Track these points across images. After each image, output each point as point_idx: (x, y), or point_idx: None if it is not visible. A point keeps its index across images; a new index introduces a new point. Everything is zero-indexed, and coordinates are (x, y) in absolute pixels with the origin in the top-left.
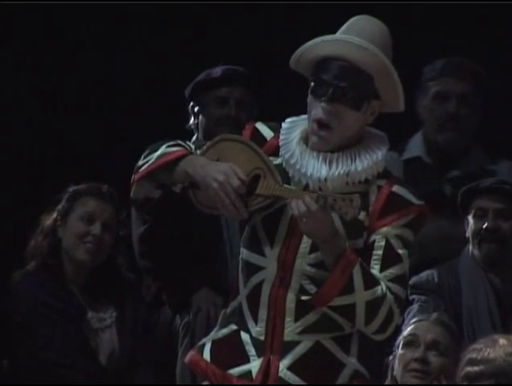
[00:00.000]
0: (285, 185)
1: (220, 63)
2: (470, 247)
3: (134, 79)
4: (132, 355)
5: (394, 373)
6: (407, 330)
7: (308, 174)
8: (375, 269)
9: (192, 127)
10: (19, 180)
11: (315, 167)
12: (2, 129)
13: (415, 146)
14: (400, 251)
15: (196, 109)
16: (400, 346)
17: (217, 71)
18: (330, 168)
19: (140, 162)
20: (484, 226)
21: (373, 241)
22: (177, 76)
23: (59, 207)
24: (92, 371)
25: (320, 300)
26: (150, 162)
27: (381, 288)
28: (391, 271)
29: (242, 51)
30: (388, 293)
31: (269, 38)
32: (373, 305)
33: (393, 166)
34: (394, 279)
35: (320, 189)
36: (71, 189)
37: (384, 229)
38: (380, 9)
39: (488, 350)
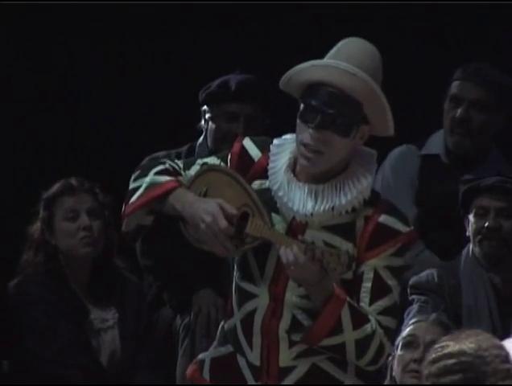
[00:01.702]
0: (273, 229)
1: (236, 70)
2: (471, 246)
3: (138, 78)
4: (133, 356)
5: (393, 374)
6: (406, 331)
7: (295, 209)
8: (364, 302)
9: (202, 128)
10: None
11: (302, 201)
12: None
13: (436, 144)
14: (389, 281)
15: (207, 116)
16: (399, 346)
17: (232, 84)
18: (316, 202)
19: (131, 186)
20: (485, 225)
21: (362, 273)
22: (188, 75)
23: (41, 217)
24: (93, 370)
25: (310, 340)
26: (140, 192)
27: (371, 325)
28: (380, 303)
29: (254, 53)
30: (378, 328)
31: (278, 42)
32: (363, 343)
33: (409, 159)
34: (384, 311)
35: (307, 223)
36: (44, 196)
37: (372, 261)
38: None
39: (453, 338)
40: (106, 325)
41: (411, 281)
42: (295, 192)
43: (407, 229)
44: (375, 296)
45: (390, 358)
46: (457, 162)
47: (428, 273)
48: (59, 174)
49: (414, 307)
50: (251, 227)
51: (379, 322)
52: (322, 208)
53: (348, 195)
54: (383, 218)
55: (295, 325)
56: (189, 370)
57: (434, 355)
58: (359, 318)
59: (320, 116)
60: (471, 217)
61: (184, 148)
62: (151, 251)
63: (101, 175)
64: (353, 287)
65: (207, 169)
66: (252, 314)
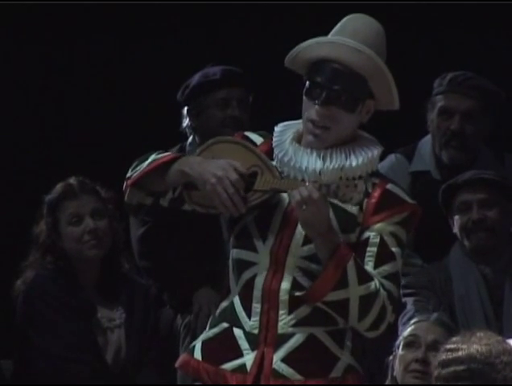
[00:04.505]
0: (284, 178)
1: (210, 63)
2: (458, 242)
3: (125, 80)
4: (138, 356)
5: (395, 373)
6: (408, 331)
7: (303, 167)
8: (369, 266)
9: (187, 130)
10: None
11: (310, 161)
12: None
13: (425, 159)
14: (394, 249)
15: (193, 112)
16: (400, 346)
17: (215, 72)
18: (324, 162)
19: (129, 174)
20: (470, 218)
21: (368, 238)
22: (164, 79)
23: (45, 222)
24: (98, 368)
25: (314, 295)
26: (144, 167)
27: (375, 284)
28: (385, 268)
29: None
30: (381, 290)
31: (254, 36)
32: (367, 301)
33: (400, 176)
34: (388, 276)
35: (316, 183)
36: (46, 200)
37: (378, 225)
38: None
39: (464, 340)
40: (113, 324)
41: (402, 282)
42: (302, 157)
43: (412, 202)
44: (380, 260)
45: (390, 357)
46: (450, 174)
47: (418, 272)
48: (59, 172)
49: (409, 308)
50: (261, 182)
51: (383, 285)
52: (331, 166)
53: (359, 159)
54: (390, 186)
55: (295, 288)
56: (179, 359)
57: (444, 357)
58: (364, 275)
59: (326, 92)
60: (455, 214)
61: (174, 149)
62: (149, 252)
63: (102, 169)
64: (356, 252)
65: (211, 143)
66: (251, 280)
